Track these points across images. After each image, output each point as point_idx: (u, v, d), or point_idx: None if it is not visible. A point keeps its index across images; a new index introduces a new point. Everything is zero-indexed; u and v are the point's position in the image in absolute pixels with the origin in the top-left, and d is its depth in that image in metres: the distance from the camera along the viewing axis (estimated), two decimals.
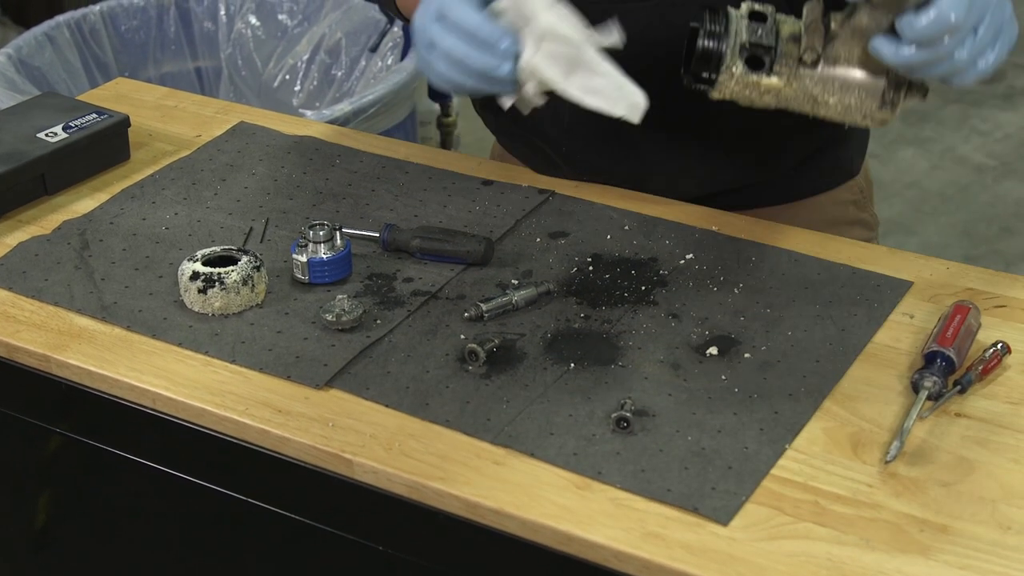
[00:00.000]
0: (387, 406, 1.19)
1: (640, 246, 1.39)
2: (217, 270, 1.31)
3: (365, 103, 2.50)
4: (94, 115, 1.58)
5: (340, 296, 1.29)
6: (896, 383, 1.20)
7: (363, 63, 2.80)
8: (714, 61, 1.18)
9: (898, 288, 1.32)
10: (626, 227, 1.42)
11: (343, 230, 1.36)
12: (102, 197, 1.52)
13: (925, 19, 1.11)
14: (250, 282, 1.31)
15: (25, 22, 3.70)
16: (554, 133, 1.48)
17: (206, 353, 1.26)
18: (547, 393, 1.19)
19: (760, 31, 1.17)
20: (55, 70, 2.71)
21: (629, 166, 1.47)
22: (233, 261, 1.32)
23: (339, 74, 2.85)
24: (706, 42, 1.17)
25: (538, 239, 1.41)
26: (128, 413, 1.25)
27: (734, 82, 1.18)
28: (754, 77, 1.18)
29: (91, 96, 1.76)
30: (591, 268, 1.36)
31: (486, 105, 1.54)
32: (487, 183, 1.51)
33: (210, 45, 2.93)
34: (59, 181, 1.53)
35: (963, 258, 3.27)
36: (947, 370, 1.18)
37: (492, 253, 1.37)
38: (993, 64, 1.16)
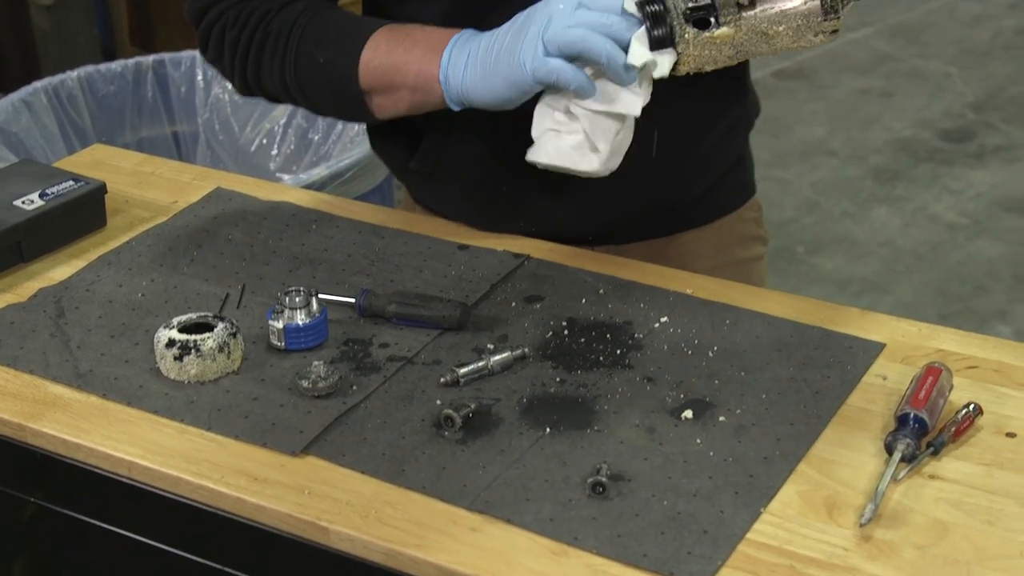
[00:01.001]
0: (363, 473, 1.19)
1: (615, 310, 1.40)
2: (193, 337, 1.31)
3: (342, 167, 2.51)
4: (71, 182, 1.59)
5: (316, 362, 1.30)
6: (870, 445, 1.21)
7: (340, 127, 2.82)
8: (667, 38, 1.26)
9: (871, 350, 1.33)
10: (601, 291, 1.43)
11: (319, 296, 1.37)
12: (78, 264, 1.52)
13: None
14: (226, 349, 1.31)
15: (2, 87, 3.72)
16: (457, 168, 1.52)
17: (182, 421, 1.26)
18: (523, 458, 1.20)
19: None
20: (32, 136, 2.72)
21: (548, 197, 1.50)
22: (209, 328, 1.33)
23: (316, 138, 2.87)
24: (653, 27, 1.26)
25: (513, 303, 1.42)
26: (103, 482, 1.24)
27: (691, 47, 1.26)
28: (706, 34, 1.26)
29: (68, 163, 1.76)
30: (566, 332, 1.37)
31: (389, 152, 1.59)
32: (463, 248, 1.52)
33: (187, 110, 2.94)
34: (35, 248, 1.53)
35: (937, 316, 3.30)
36: (920, 432, 1.19)
37: (468, 318, 1.38)
38: None
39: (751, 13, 1.25)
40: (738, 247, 1.63)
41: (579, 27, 1.25)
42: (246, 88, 1.50)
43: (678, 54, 1.26)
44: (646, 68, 1.27)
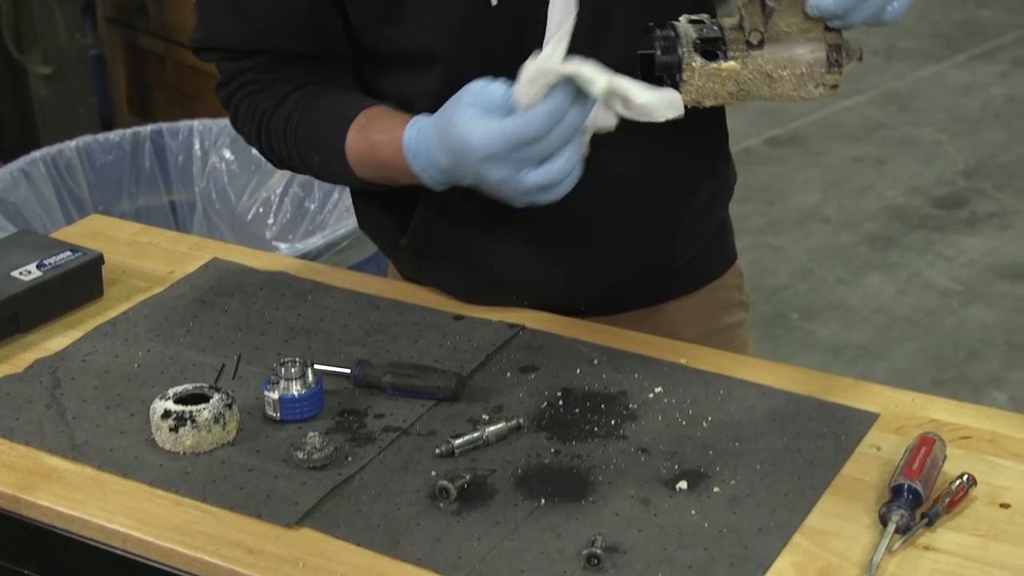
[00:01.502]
0: (358, 545, 1.19)
1: (609, 380, 1.41)
2: (189, 408, 1.31)
3: (338, 236, 2.53)
4: (68, 253, 1.59)
5: (312, 433, 1.30)
6: (864, 516, 1.21)
7: (336, 196, 2.84)
8: (674, 65, 1.27)
9: (864, 420, 1.34)
10: (595, 361, 1.44)
11: (315, 366, 1.37)
12: (75, 334, 1.53)
13: None
14: (221, 420, 1.31)
15: (1, 156, 3.74)
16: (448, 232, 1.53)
17: (177, 492, 1.26)
18: (518, 530, 1.20)
19: (704, 29, 1.28)
20: (30, 205, 2.74)
21: (539, 270, 1.52)
22: (205, 399, 1.33)
23: (312, 207, 2.88)
24: (662, 53, 1.27)
25: (508, 374, 1.42)
26: (98, 554, 1.24)
27: (697, 76, 1.27)
28: (713, 66, 1.27)
29: (65, 233, 1.77)
30: (561, 403, 1.37)
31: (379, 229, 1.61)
32: (458, 318, 1.52)
33: (185, 179, 2.96)
34: (32, 319, 1.54)
35: (931, 383, 3.30)
36: (914, 503, 1.19)
37: (463, 388, 1.38)
38: None
39: (759, 52, 1.27)
40: (723, 313, 1.64)
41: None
42: (284, 168, 1.55)
43: (682, 82, 1.27)
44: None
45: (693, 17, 1.29)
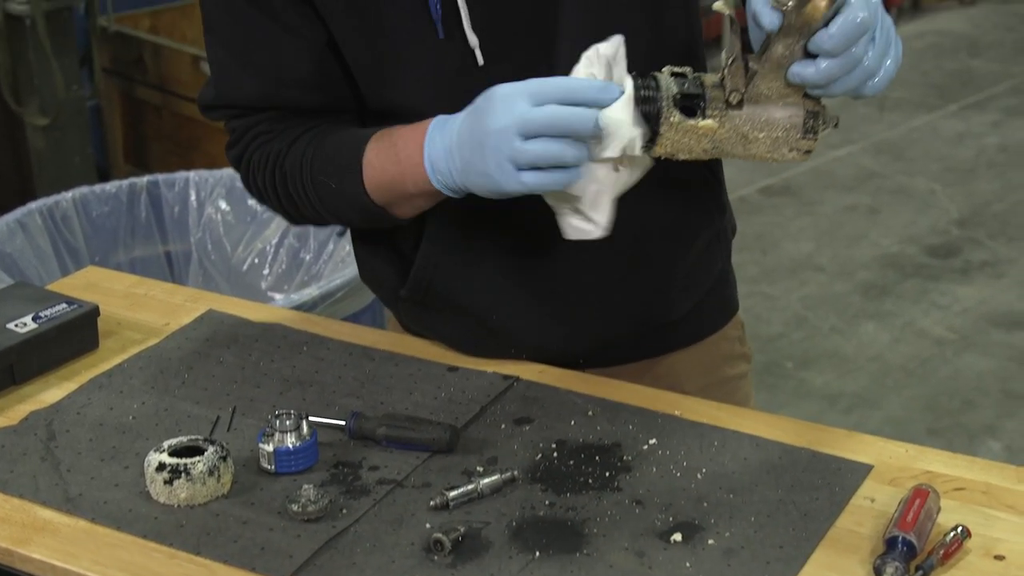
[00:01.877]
0: None
1: (604, 431, 1.41)
2: (183, 460, 1.31)
3: (333, 287, 2.53)
4: (64, 305, 1.60)
5: (306, 486, 1.30)
6: (859, 568, 1.21)
7: (331, 247, 2.85)
8: (653, 117, 1.27)
9: (858, 471, 1.34)
10: (590, 412, 1.44)
11: (309, 418, 1.37)
12: (70, 386, 1.53)
13: (840, 24, 1.20)
14: (216, 472, 1.31)
15: None
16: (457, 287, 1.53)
17: (171, 545, 1.26)
18: None
19: (686, 84, 1.28)
20: (26, 256, 2.74)
21: (539, 322, 1.52)
22: (199, 451, 1.33)
23: (307, 257, 2.89)
24: (642, 103, 1.27)
25: (503, 425, 1.43)
26: None
27: (673, 131, 1.28)
28: (691, 122, 1.28)
29: (61, 285, 1.78)
30: (556, 454, 1.37)
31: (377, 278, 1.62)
32: (452, 369, 1.53)
33: (180, 229, 2.97)
34: (27, 371, 1.54)
35: (926, 432, 3.30)
36: (908, 555, 1.19)
37: (457, 440, 1.39)
38: (892, 68, 1.27)
39: (738, 113, 1.28)
40: (725, 365, 1.64)
41: (541, 142, 1.26)
42: (294, 221, 1.55)
43: (659, 134, 1.28)
44: (627, 144, 1.28)
45: (676, 70, 1.30)
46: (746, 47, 1.29)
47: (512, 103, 1.26)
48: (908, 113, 5.27)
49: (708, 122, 1.28)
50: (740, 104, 1.27)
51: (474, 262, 1.49)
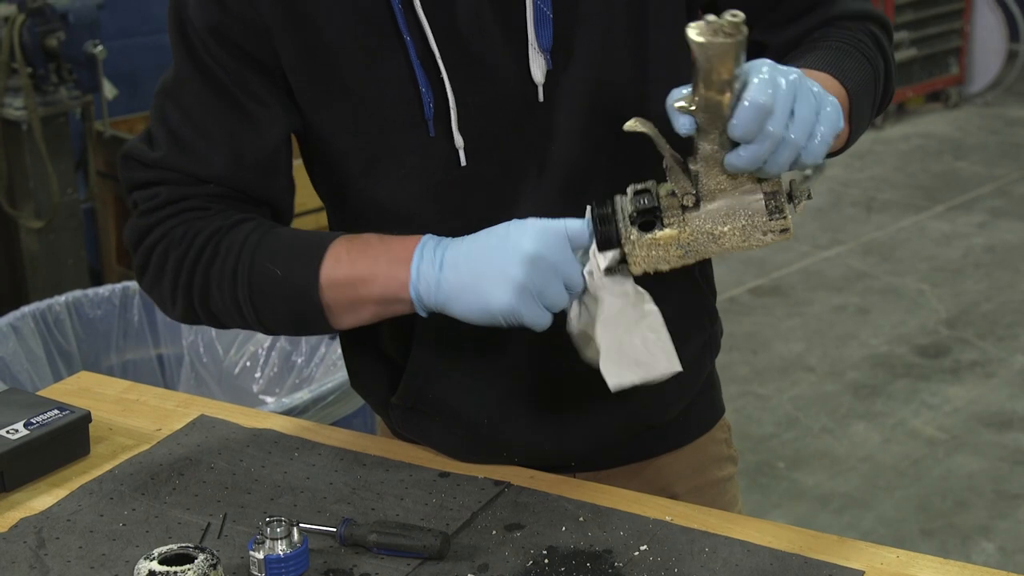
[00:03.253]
0: None
1: (595, 537, 1.41)
2: (173, 568, 1.31)
3: (324, 391, 2.54)
4: (55, 411, 1.60)
5: None
6: None
7: (323, 350, 2.86)
8: (614, 239, 1.29)
9: None
10: (581, 518, 1.44)
11: (300, 525, 1.37)
12: (60, 493, 1.53)
13: (739, 114, 1.20)
14: None
15: None
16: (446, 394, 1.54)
17: None
18: None
19: (642, 200, 1.29)
20: (18, 360, 2.75)
21: (531, 427, 1.53)
22: (190, 559, 1.33)
23: (299, 361, 2.90)
24: (600, 228, 1.30)
25: (494, 531, 1.43)
26: None
27: (637, 247, 1.29)
28: (649, 236, 1.29)
29: (53, 391, 1.78)
30: (547, 561, 1.37)
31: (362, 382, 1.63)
32: (443, 475, 1.53)
33: (172, 333, 2.98)
34: (18, 478, 1.54)
35: (920, 533, 3.29)
36: None
37: (448, 547, 1.38)
38: (828, 132, 1.24)
39: (695, 214, 1.28)
40: (713, 467, 1.65)
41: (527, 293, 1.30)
42: (191, 311, 1.46)
43: (625, 255, 1.30)
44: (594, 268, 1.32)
45: (640, 186, 1.31)
46: (686, 152, 1.29)
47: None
48: (896, 214, 5.33)
49: (666, 231, 1.29)
50: (697, 204, 1.28)
51: (466, 367, 1.50)
